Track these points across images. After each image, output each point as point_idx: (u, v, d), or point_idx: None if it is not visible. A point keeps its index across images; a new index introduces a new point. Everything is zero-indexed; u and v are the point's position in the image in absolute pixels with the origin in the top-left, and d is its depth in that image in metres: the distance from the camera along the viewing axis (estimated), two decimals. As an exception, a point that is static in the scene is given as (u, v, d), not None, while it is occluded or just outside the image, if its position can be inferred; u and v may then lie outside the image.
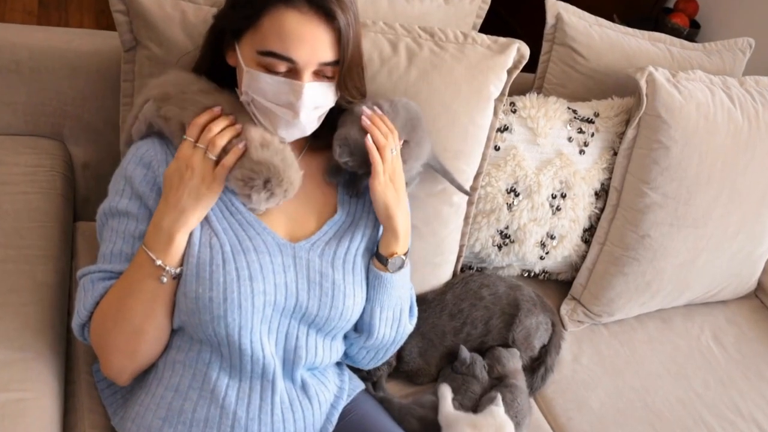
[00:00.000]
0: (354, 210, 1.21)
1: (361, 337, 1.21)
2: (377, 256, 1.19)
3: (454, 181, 1.38)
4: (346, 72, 1.09)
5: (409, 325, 1.26)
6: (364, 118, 1.14)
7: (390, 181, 1.15)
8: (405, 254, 1.19)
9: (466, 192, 1.42)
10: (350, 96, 1.13)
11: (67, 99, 1.48)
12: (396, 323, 1.23)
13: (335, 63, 1.06)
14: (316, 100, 1.08)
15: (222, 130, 1.07)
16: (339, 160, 1.14)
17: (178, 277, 1.06)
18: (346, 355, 1.27)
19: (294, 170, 1.06)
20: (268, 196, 1.05)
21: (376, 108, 1.18)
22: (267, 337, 1.09)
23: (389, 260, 1.18)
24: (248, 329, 1.06)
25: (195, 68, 1.16)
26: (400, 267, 1.19)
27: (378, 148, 1.13)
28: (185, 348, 1.10)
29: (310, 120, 1.09)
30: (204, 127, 1.07)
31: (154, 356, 1.11)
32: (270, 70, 1.05)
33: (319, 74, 1.07)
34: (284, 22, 1.01)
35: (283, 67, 1.04)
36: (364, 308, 1.19)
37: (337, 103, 1.14)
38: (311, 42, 1.02)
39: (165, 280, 1.04)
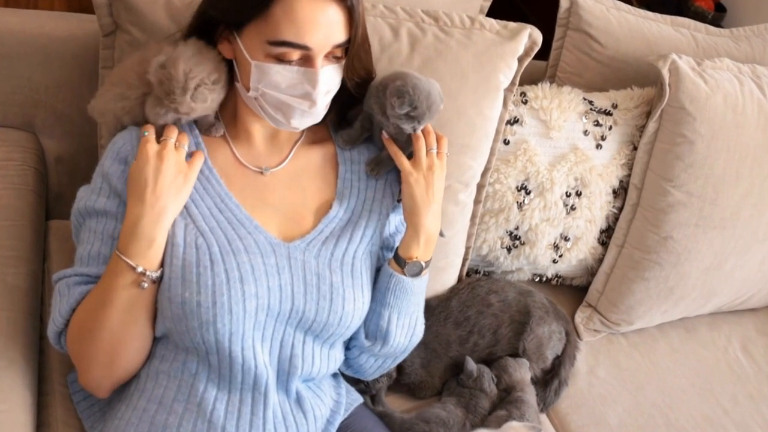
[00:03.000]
0: (353, 206, 1.23)
1: (375, 344, 1.24)
2: (395, 258, 1.22)
3: None
4: (355, 52, 1.13)
5: (420, 333, 1.29)
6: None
7: (424, 178, 1.19)
8: (426, 263, 1.23)
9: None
10: (359, 77, 1.17)
11: (40, 87, 1.49)
12: (411, 331, 1.26)
13: (346, 42, 1.10)
14: (328, 84, 1.12)
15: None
16: (398, 111, 1.17)
17: (158, 281, 1.08)
18: (348, 364, 1.29)
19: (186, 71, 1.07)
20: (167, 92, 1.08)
21: None
22: (260, 345, 1.11)
23: (407, 263, 1.21)
24: (239, 335, 1.08)
25: None
26: (418, 274, 1.22)
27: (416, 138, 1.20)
28: (170, 357, 1.12)
29: (323, 106, 1.13)
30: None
31: (135, 367, 1.12)
32: (280, 59, 1.07)
33: (328, 57, 1.10)
34: (298, 8, 1.04)
35: (295, 55, 1.07)
36: (380, 314, 1.22)
37: (345, 89, 1.17)
38: (326, 26, 1.06)
39: (146, 285, 1.06)
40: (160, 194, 1.06)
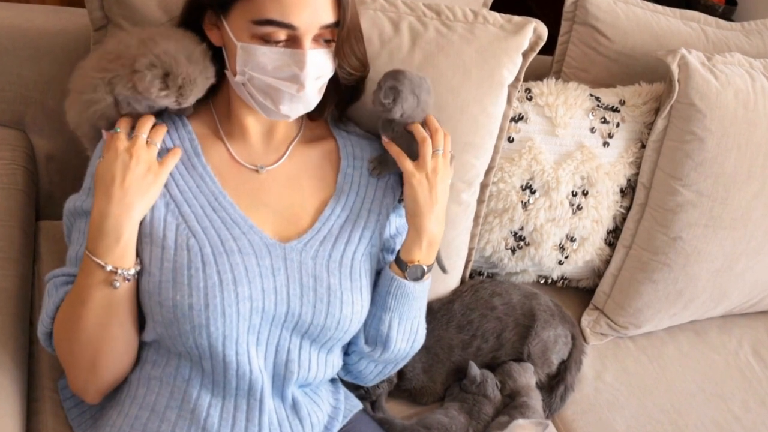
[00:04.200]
0: (352, 203, 1.23)
1: (375, 350, 1.23)
2: (396, 261, 1.22)
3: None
4: (345, 36, 1.12)
5: (421, 339, 1.29)
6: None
7: (427, 179, 1.19)
8: (428, 267, 1.22)
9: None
10: (350, 66, 1.16)
11: (30, 84, 1.50)
12: (412, 336, 1.26)
13: (335, 24, 1.09)
14: (318, 68, 1.11)
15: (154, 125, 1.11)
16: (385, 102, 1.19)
17: (134, 279, 1.07)
18: (347, 370, 1.29)
19: (194, 69, 1.07)
20: (162, 88, 1.06)
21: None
22: (255, 349, 1.11)
23: (409, 267, 1.20)
24: (233, 339, 1.08)
25: None
26: (419, 278, 1.22)
27: (421, 138, 1.20)
28: (162, 362, 1.11)
29: (313, 92, 1.12)
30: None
31: (120, 371, 1.12)
32: (266, 40, 1.07)
33: (318, 40, 1.10)
34: None
35: (282, 35, 1.07)
36: (380, 318, 1.21)
37: (340, 80, 1.17)
38: (312, 5, 1.05)
39: (118, 284, 1.05)
40: (128, 190, 1.05)
